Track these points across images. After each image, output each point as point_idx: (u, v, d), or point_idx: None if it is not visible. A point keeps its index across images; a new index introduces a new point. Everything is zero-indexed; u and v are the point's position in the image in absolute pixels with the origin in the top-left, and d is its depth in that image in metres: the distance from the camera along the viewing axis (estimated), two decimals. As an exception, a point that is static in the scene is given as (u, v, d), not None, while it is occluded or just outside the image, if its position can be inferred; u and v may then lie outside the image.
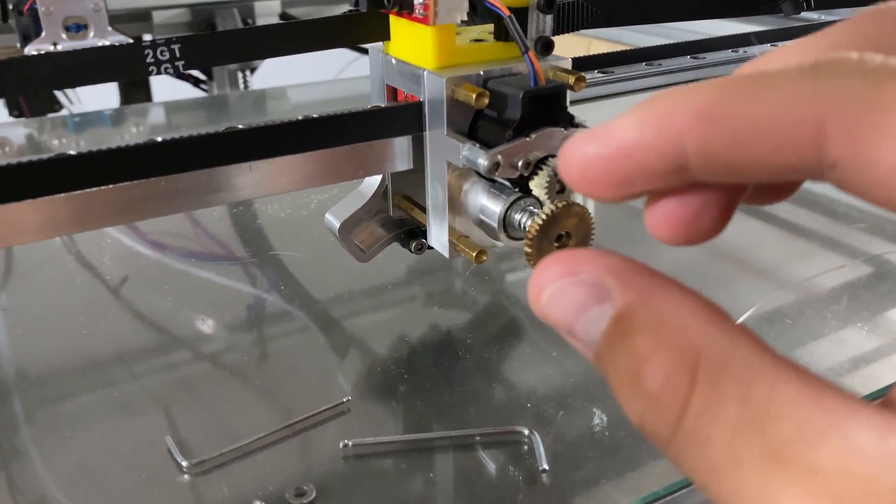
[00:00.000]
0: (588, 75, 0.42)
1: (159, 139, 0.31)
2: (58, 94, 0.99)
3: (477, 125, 0.35)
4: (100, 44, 0.75)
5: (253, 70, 1.02)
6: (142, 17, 0.91)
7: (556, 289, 0.15)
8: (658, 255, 0.53)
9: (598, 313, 0.14)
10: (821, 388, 0.12)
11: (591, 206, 0.36)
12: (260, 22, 0.97)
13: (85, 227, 0.32)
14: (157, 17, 0.91)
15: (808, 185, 0.65)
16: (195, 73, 1.07)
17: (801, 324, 0.44)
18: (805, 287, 0.49)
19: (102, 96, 0.99)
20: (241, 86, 1.00)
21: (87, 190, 0.30)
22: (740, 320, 0.44)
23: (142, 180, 0.31)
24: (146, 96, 1.07)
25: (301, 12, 1.04)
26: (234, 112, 0.91)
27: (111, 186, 0.31)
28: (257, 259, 0.52)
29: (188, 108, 0.90)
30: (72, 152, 0.30)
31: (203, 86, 1.05)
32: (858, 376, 0.40)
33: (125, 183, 0.31)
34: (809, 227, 0.58)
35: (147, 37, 0.95)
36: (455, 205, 0.37)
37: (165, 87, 1.05)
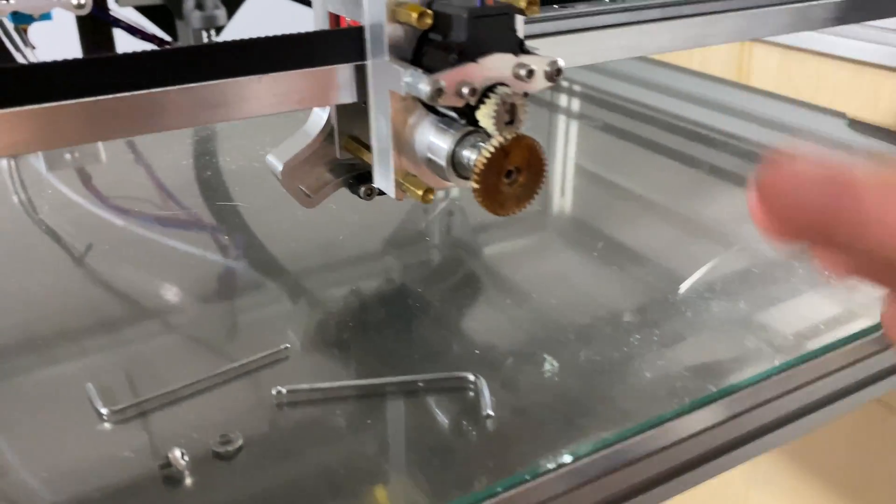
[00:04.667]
0: (546, 10, 0.39)
1: (74, 58, 0.28)
2: (14, 53, 0.96)
3: (422, 51, 0.32)
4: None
5: (219, 30, 0.99)
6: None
7: None
8: (638, 232, 0.51)
9: None
10: None
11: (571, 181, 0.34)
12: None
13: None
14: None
15: (783, 144, 0.63)
16: (159, 33, 1.04)
17: (768, 274, 0.42)
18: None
19: (63, 56, 0.95)
20: (206, 46, 0.97)
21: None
22: (702, 269, 0.42)
23: (70, 101, 0.28)
24: (109, 57, 1.04)
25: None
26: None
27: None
28: (199, 209, 0.50)
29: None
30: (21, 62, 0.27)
31: (167, 46, 1.02)
32: (827, 334, 0.38)
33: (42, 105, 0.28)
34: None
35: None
36: (401, 142, 0.34)
37: (129, 48, 1.02)
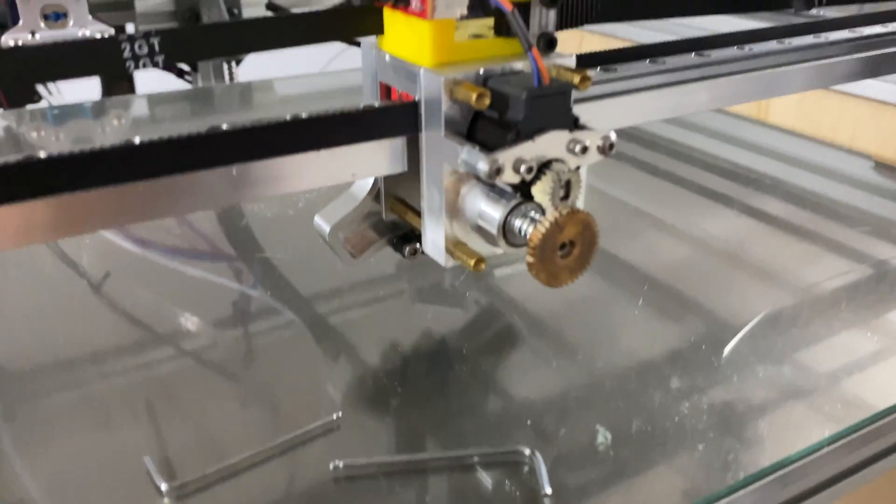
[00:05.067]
0: (589, 73, 0.40)
1: (136, 141, 0.29)
2: (37, 85, 0.96)
3: (476, 126, 0.33)
4: (80, 33, 0.72)
5: (239, 62, 1.00)
6: (123, 5, 0.88)
7: None
8: (658, 258, 0.52)
9: None
10: None
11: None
12: (246, 12, 0.94)
13: (60, 235, 0.30)
14: (140, 5, 0.88)
15: (809, 186, 0.63)
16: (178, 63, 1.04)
17: (811, 331, 0.43)
18: (812, 293, 0.47)
19: (84, 88, 0.96)
20: (227, 78, 0.98)
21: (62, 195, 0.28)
22: (748, 327, 0.42)
23: (115, 186, 0.29)
24: (129, 88, 1.04)
25: (289, 2, 1.02)
26: (219, 105, 0.88)
27: (82, 192, 0.28)
28: (243, 261, 0.50)
29: (172, 100, 0.88)
30: (41, 155, 0.27)
31: (187, 77, 1.03)
32: (869, 387, 0.38)
33: (98, 189, 0.29)
34: (811, 230, 0.56)
35: (130, 27, 0.92)
36: (452, 209, 0.35)
37: (149, 79, 1.02)
